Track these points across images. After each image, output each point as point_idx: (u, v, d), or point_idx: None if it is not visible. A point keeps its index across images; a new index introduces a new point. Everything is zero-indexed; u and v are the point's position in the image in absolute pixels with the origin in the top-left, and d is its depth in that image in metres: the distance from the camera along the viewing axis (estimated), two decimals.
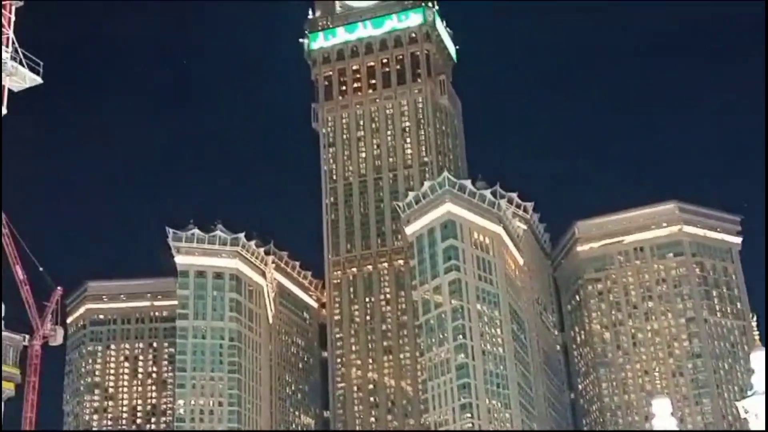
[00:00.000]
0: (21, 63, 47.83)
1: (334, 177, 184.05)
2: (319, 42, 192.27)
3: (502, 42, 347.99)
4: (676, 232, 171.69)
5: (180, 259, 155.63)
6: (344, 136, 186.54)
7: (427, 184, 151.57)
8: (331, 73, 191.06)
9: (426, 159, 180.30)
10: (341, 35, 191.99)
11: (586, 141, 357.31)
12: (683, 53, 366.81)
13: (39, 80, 48.60)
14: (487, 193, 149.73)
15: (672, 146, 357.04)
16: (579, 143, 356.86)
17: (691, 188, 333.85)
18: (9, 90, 48.06)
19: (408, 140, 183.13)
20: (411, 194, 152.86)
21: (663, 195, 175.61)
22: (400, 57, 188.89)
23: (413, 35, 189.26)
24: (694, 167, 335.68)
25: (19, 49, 47.77)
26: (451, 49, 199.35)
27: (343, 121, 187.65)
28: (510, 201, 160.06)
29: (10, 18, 47.78)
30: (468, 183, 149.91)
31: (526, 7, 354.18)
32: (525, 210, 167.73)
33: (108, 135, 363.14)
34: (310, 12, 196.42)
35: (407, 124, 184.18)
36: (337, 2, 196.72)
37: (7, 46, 47.38)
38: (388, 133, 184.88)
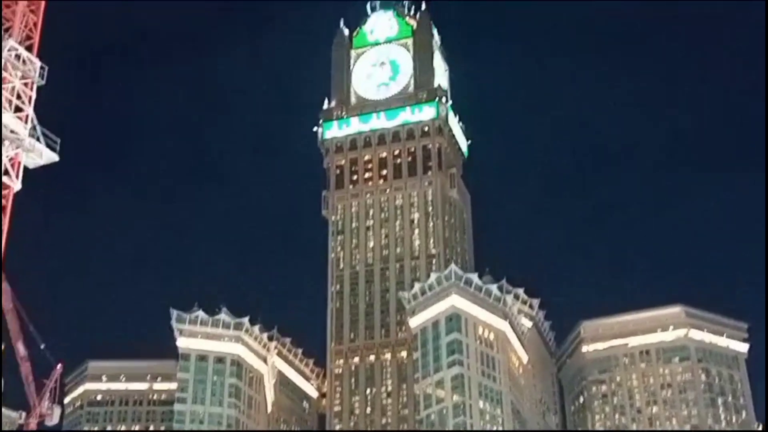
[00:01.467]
0: (39, 139, 48.30)
1: (341, 265, 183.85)
2: (332, 131, 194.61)
3: (513, 139, 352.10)
4: (682, 336, 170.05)
5: (182, 342, 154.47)
6: (353, 225, 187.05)
7: (433, 276, 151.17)
8: (343, 161, 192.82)
9: (433, 251, 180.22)
10: (355, 125, 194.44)
11: (594, 240, 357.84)
12: (694, 160, 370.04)
13: (56, 157, 49.04)
14: (494, 287, 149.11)
15: (680, 249, 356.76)
16: (587, 242, 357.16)
17: (698, 292, 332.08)
18: (24, 166, 48.44)
19: (416, 231, 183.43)
20: (417, 285, 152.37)
21: (670, 297, 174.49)
22: (412, 149, 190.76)
23: (426, 128, 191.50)
24: (702, 271, 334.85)
25: (37, 126, 48.34)
26: (463, 143, 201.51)
27: (353, 209, 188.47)
28: (516, 297, 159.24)
29: (31, 96, 48.49)
30: (475, 277, 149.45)
31: (538, 106, 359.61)
32: (531, 307, 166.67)
33: (118, 213, 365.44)
34: (326, 101, 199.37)
35: (416, 215, 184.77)
36: (352, 93, 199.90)
37: (26, 123, 47.96)
38: (397, 223, 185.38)
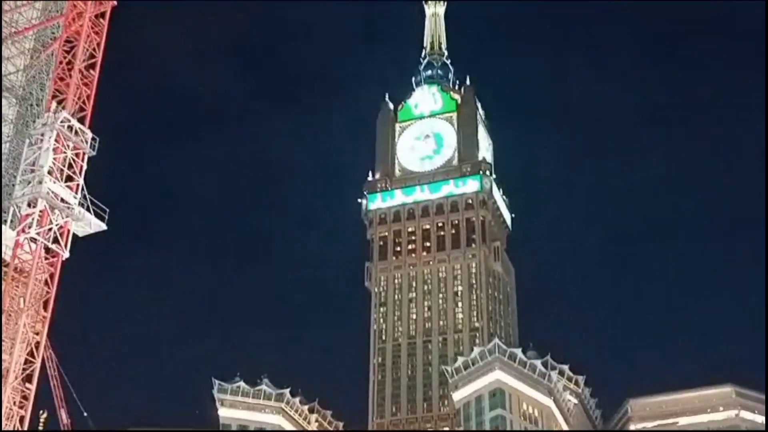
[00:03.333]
0: (88, 209, 49.08)
1: (384, 337, 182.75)
2: (376, 203, 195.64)
3: (558, 213, 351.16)
4: (732, 417, 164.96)
5: (223, 412, 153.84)
6: (396, 297, 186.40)
7: (476, 350, 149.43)
8: (387, 233, 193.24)
9: (477, 324, 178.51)
10: (399, 197, 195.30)
11: (640, 315, 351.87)
12: (743, 233, 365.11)
13: (103, 226, 49.74)
14: (538, 363, 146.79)
15: (729, 325, 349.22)
16: (633, 317, 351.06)
17: (748, 371, 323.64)
18: (73, 234, 49.18)
19: (460, 304, 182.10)
20: (460, 359, 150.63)
21: (719, 376, 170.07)
22: (456, 222, 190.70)
23: (469, 201, 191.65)
24: (752, 349, 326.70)
25: (87, 196, 49.18)
26: (507, 216, 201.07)
27: (396, 281, 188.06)
28: (561, 373, 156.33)
29: (82, 166, 49.46)
30: (519, 352, 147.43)
31: (582, 180, 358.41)
32: (576, 383, 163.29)
33: (162, 283, 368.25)
34: (371, 174, 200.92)
35: (460, 288, 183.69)
36: (396, 166, 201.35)
37: (76, 192, 48.84)
38: (440, 296, 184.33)
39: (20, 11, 57.93)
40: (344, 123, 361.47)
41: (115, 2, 53.91)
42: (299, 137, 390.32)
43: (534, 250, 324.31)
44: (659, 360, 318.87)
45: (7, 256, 49.05)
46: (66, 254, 47.65)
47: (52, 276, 47.16)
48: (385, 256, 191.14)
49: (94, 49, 52.17)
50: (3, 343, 45.76)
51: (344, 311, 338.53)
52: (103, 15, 53.35)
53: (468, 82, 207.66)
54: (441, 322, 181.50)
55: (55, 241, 47.08)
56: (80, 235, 49.01)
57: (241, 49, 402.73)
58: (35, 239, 46.46)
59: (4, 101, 57.08)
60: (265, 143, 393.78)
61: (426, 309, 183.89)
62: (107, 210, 49.41)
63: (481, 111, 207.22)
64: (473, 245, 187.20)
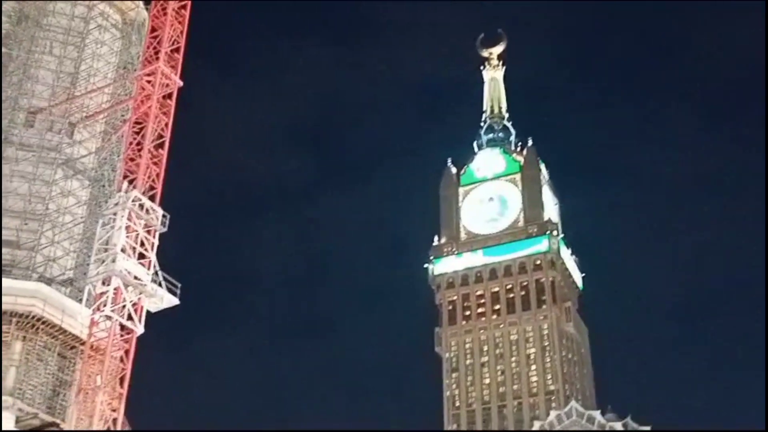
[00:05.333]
0: (160, 284, 49.94)
1: (457, 403, 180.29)
2: (443, 267, 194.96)
3: (630, 271, 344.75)
4: None
5: None
6: (467, 362, 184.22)
7: (553, 413, 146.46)
8: (455, 297, 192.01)
9: (552, 387, 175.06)
10: (465, 261, 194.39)
11: (721, 374, 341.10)
12: None
13: (176, 301, 50.51)
14: (618, 425, 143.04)
15: None
16: (713, 376, 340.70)
17: None
18: (147, 310, 49.99)
19: (533, 367, 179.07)
20: (536, 424, 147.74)
21: None
22: (525, 283, 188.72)
23: (538, 262, 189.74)
24: None
25: (159, 272, 50.12)
26: (577, 276, 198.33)
27: (467, 346, 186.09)
28: None
29: (153, 243, 50.50)
30: (597, 414, 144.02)
31: (653, 238, 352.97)
32: None
33: (228, 358, 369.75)
34: (436, 238, 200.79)
35: (532, 350, 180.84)
36: (461, 229, 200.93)
37: (148, 269, 49.79)
38: (513, 359, 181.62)
39: (91, 96, 60.02)
40: (407, 191, 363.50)
41: (181, 83, 55.51)
42: (362, 210, 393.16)
43: (607, 309, 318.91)
44: (742, 419, 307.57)
45: (83, 334, 50.03)
46: (140, 330, 48.40)
47: (127, 352, 47.85)
48: (454, 320, 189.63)
49: (162, 130, 53.66)
50: (80, 421, 46.35)
51: (415, 378, 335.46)
52: (170, 96, 54.96)
53: (530, 144, 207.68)
54: (515, 386, 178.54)
55: (129, 317, 47.88)
56: (153, 310, 49.80)
57: (302, 130, 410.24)
58: (110, 317, 47.31)
59: (76, 182, 58.86)
60: (328, 219, 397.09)
61: (499, 373, 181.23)
62: (179, 285, 50.25)
63: (544, 171, 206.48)
64: (544, 306, 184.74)
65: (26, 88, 59.78)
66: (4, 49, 60.47)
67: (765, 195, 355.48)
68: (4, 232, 55.40)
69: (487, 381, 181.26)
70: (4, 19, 61.25)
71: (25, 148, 57.88)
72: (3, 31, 60.94)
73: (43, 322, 51.45)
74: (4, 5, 61.49)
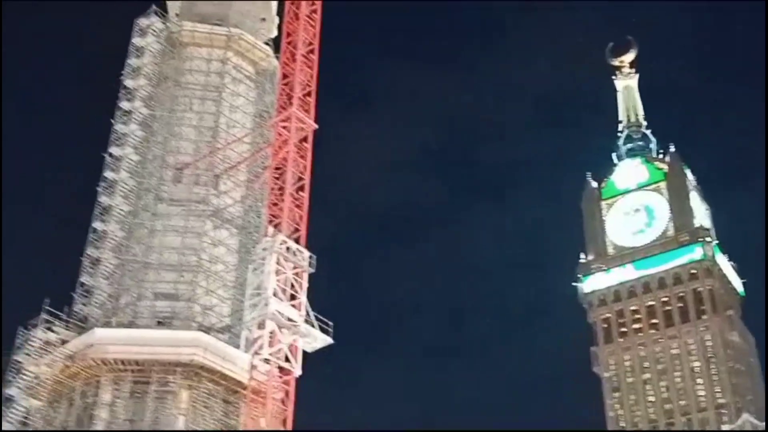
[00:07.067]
0: (313, 325, 50.62)
1: (622, 423, 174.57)
2: (593, 284, 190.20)
3: None
4: None
5: None
6: (628, 380, 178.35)
7: (725, 428, 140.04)
8: (609, 315, 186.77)
9: (721, 401, 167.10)
10: (616, 276, 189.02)
11: None
12: None
13: (330, 340, 51.03)
14: None
15: None
16: None
17: None
18: (303, 351, 50.68)
19: (699, 381, 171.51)
20: None
21: None
22: (681, 294, 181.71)
23: (693, 271, 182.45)
24: None
25: (311, 312, 50.85)
26: (736, 282, 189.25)
27: (626, 363, 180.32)
28: None
29: (302, 284, 51.33)
30: None
31: None
32: None
33: (386, 389, 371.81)
34: (582, 255, 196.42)
35: (697, 363, 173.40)
36: (608, 244, 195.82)
37: (300, 310, 50.57)
38: (676, 374, 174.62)
39: (232, 147, 61.97)
40: (546, 209, 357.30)
41: (316, 126, 56.63)
42: (503, 232, 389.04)
43: None
44: None
45: (244, 379, 51.21)
46: (298, 371, 49.10)
47: (287, 393, 48.62)
48: (610, 338, 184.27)
49: (301, 172, 54.78)
50: None
51: (573, 399, 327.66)
52: (305, 139, 56.16)
53: (672, 150, 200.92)
54: (682, 402, 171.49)
55: (287, 359, 48.68)
56: (308, 350, 50.46)
57: (433, 155, 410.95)
58: (268, 360, 48.22)
59: (225, 231, 60.73)
60: (469, 243, 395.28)
61: (663, 390, 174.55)
62: (332, 323, 50.80)
63: (690, 177, 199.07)
64: (704, 317, 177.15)
65: (171, 145, 62.40)
66: (148, 111, 63.48)
67: None
68: (162, 285, 57.75)
69: (652, 399, 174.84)
70: (145, 81, 64.27)
71: (175, 203, 60.28)
72: (146, 93, 63.98)
73: (206, 370, 53.07)
74: (145, 68, 64.52)
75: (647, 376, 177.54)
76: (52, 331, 54.09)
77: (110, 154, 61.62)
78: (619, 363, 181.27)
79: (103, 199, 60.09)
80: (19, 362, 53.69)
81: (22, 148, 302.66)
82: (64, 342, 53.97)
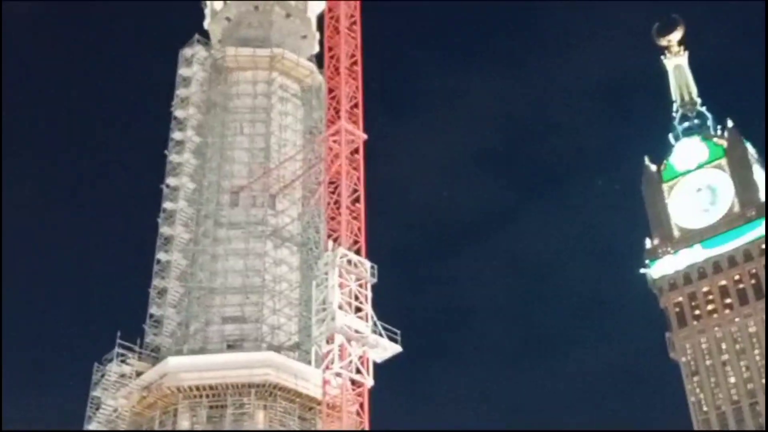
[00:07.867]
0: (380, 334, 50.57)
1: (705, 407, 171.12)
2: (661, 269, 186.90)
3: None
4: None
5: None
6: (707, 363, 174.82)
7: None
8: (681, 298, 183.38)
9: None
10: (684, 259, 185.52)
11: None
12: None
13: (399, 348, 50.91)
14: None
15: None
16: None
17: None
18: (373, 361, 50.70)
19: None
20: None
21: None
22: (753, 271, 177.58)
23: (763, 247, 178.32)
24: None
25: (377, 322, 50.82)
26: None
27: (703, 347, 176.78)
28: None
29: (367, 295, 51.37)
30: None
31: None
32: None
33: (456, 395, 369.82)
34: (647, 240, 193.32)
35: None
36: (673, 227, 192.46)
37: (366, 321, 50.58)
38: (756, 353, 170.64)
39: (285, 166, 62.37)
40: (607, 198, 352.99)
41: (365, 136, 56.64)
42: (566, 226, 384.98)
43: None
44: None
45: (318, 394, 51.39)
46: (370, 382, 49.09)
47: (362, 405, 48.64)
48: (684, 322, 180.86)
49: (355, 184, 54.81)
50: None
51: (652, 386, 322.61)
52: (356, 151, 56.20)
53: (730, 125, 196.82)
54: (763, 381, 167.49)
55: (358, 371, 48.70)
56: (378, 361, 50.41)
57: (491, 155, 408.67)
58: (339, 373, 48.31)
59: (285, 250, 61.14)
60: (532, 240, 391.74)
61: (744, 369, 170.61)
62: (398, 332, 50.69)
63: (752, 150, 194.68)
64: None
65: (225, 170, 63.08)
66: (200, 138, 64.29)
67: None
68: (229, 309, 58.35)
69: (732, 380, 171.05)
70: (194, 110, 65.13)
71: (234, 227, 60.91)
72: (196, 122, 64.84)
73: (280, 389, 53.46)
74: (193, 97, 65.36)
75: (726, 357, 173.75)
76: (127, 363, 55.00)
77: (167, 185, 62.57)
78: (696, 346, 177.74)
79: (165, 230, 60.99)
80: (98, 397, 54.71)
81: (86, 190, 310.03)
82: (139, 373, 54.83)
